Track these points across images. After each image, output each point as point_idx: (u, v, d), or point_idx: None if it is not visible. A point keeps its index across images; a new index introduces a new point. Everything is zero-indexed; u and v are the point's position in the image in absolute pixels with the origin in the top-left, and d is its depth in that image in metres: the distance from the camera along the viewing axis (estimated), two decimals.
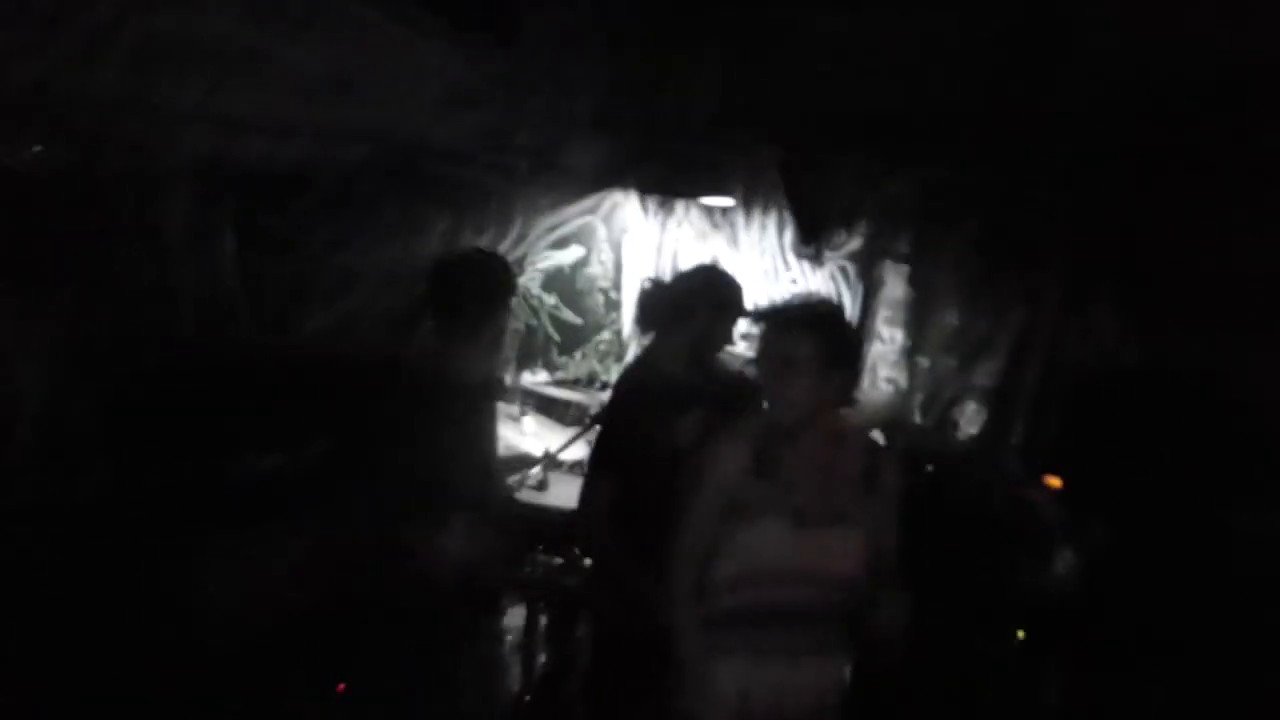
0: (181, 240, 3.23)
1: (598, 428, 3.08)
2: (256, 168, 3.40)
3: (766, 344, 2.02)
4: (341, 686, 3.06)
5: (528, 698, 3.32)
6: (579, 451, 3.74)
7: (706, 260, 4.90)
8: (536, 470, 3.55)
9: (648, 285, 2.89)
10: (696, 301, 2.66)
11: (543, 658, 3.41)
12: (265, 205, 3.50)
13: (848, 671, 2.18)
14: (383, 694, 2.97)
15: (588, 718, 3.07)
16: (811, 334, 1.93)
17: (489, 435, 2.85)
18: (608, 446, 2.69)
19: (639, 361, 2.89)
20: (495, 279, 2.77)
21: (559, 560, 3.19)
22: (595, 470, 2.69)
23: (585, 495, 2.69)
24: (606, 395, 4.55)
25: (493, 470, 2.91)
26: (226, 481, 3.23)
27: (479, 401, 2.78)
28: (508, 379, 4.77)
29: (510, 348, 4.87)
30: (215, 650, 2.93)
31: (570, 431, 3.90)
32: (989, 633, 3.03)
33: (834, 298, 4.58)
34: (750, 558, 1.98)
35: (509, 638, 3.79)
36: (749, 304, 2.74)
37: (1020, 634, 3.03)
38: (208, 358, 3.29)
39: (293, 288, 3.62)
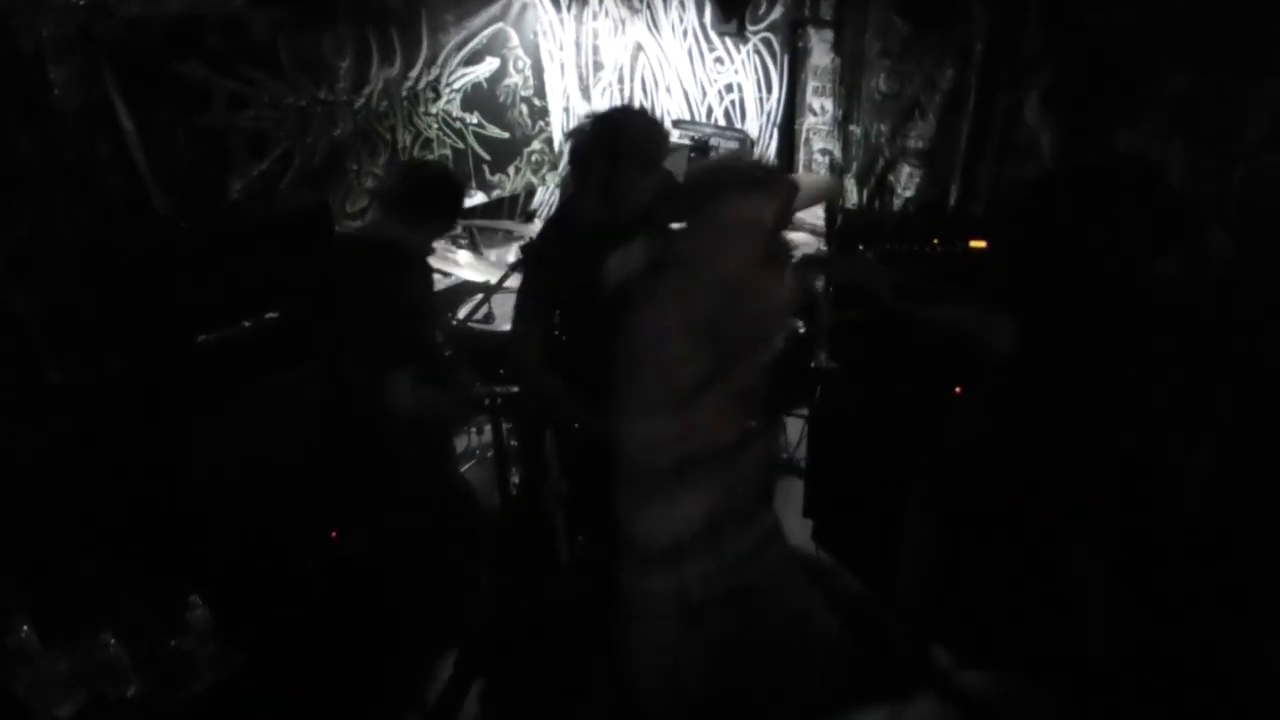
0: (72, 123, 3.14)
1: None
2: (136, 28, 3.25)
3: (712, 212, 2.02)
4: (334, 533, 3.28)
5: (508, 516, 3.56)
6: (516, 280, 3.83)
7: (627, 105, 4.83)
8: (482, 302, 3.62)
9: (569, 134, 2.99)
10: (595, 152, 2.67)
11: (515, 476, 3.61)
12: (154, 70, 3.36)
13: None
14: (376, 535, 3.20)
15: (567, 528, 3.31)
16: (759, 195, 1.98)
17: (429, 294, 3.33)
18: (530, 296, 2.76)
19: (559, 209, 2.92)
20: (459, 201, 3.22)
21: (515, 387, 3.32)
22: (520, 317, 2.77)
23: (514, 340, 2.82)
24: (536, 223, 4.56)
25: (433, 323, 3.33)
26: (194, 352, 3.30)
27: (423, 269, 3.22)
28: None
29: None
30: (218, 508, 3.11)
31: (505, 256, 3.93)
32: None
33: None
34: (698, 418, 2.07)
35: (489, 454, 4.03)
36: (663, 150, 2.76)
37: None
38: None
39: (201, 157, 3.53)
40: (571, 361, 2.69)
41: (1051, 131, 2.47)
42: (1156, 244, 2.44)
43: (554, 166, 5.49)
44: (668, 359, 2.00)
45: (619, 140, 2.66)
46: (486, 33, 4.91)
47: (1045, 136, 2.50)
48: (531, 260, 2.93)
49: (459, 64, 4.82)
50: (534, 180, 5.41)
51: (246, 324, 3.29)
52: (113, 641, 2.55)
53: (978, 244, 3.29)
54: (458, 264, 3.95)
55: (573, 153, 2.76)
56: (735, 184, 2.04)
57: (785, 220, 2.12)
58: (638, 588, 2.20)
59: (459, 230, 3.69)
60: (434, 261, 3.43)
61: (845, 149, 4.54)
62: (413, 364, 2.93)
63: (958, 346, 2.58)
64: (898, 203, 4.35)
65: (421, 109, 4.68)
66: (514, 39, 5.08)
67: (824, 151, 4.66)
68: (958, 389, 3.18)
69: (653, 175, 2.69)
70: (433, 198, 3.08)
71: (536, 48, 5.24)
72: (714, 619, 2.19)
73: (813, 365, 3.55)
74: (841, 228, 3.98)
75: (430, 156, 4.77)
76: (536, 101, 5.33)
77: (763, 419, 2.28)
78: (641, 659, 2.26)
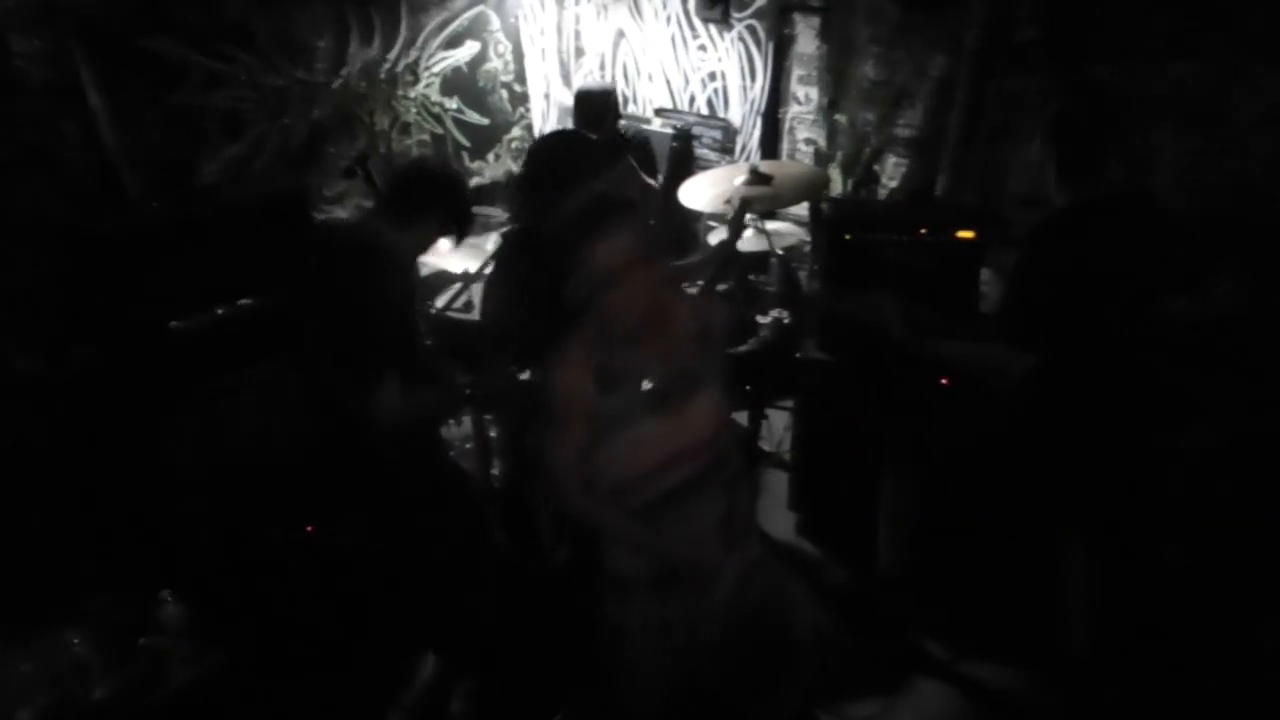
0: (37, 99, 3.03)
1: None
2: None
3: (584, 260, 1.89)
4: (310, 529, 3.19)
5: (492, 508, 3.49)
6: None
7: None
8: (461, 290, 3.53)
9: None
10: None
11: (496, 469, 3.54)
12: (124, 46, 3.25)
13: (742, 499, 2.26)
14: (351, 531, 3.11)
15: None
16: (624, 235, 1.87)
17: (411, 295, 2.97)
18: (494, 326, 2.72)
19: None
20: (455, 198, 2.88)
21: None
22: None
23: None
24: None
25: (417, 325, 3.02)
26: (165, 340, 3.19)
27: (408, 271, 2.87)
28: None
29: None
30: (191, 500, 3.02)
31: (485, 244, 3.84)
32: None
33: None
34: (631, 462, 1.99)
35: (468, 446, 3.95)
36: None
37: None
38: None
39: (174, 139, 3.42)
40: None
41: (1055, 167, 2.53)
42: (1163, 285, 2.49)
43: None
44: (577, 404, 1.95)
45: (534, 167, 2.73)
46: (467, 15, 4.81)
47: (1049, 172, 2.55)
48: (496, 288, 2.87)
49: (439, 47, 4.72)
50: (514, 168, 5.32)
51: (220, 311, 3.20)
52: (78, 641, 2.46)
53: (965, 234, 3.26)
54: (437, 252, 3.85)
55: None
56: (587, 232, 1.91)
57: (661, 242, 2.05)
58: (618, 614, 2.14)
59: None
60: None
61: (830, 138, 4.50)
62: (398, 368, 2.78)
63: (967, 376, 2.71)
64: (884, 192, 4.32)
65: (400, 92, 4.57)
66: (495, 22, 4.99)
67: (808, 141, 4.62)
68: (944, 380, 3.15)
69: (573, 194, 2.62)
70: (424, 195, 2.78)
71: (518, 32, 5.15)
72: (696, 638, 2.13)
73: (798, 356, 3.50)
74: (827, 218, 3.92)
75: (409, 142, 4.68)
76: (517, 87, 5.25)
77: (730, 451, 2.19)
78: (622, 681, 2.22)
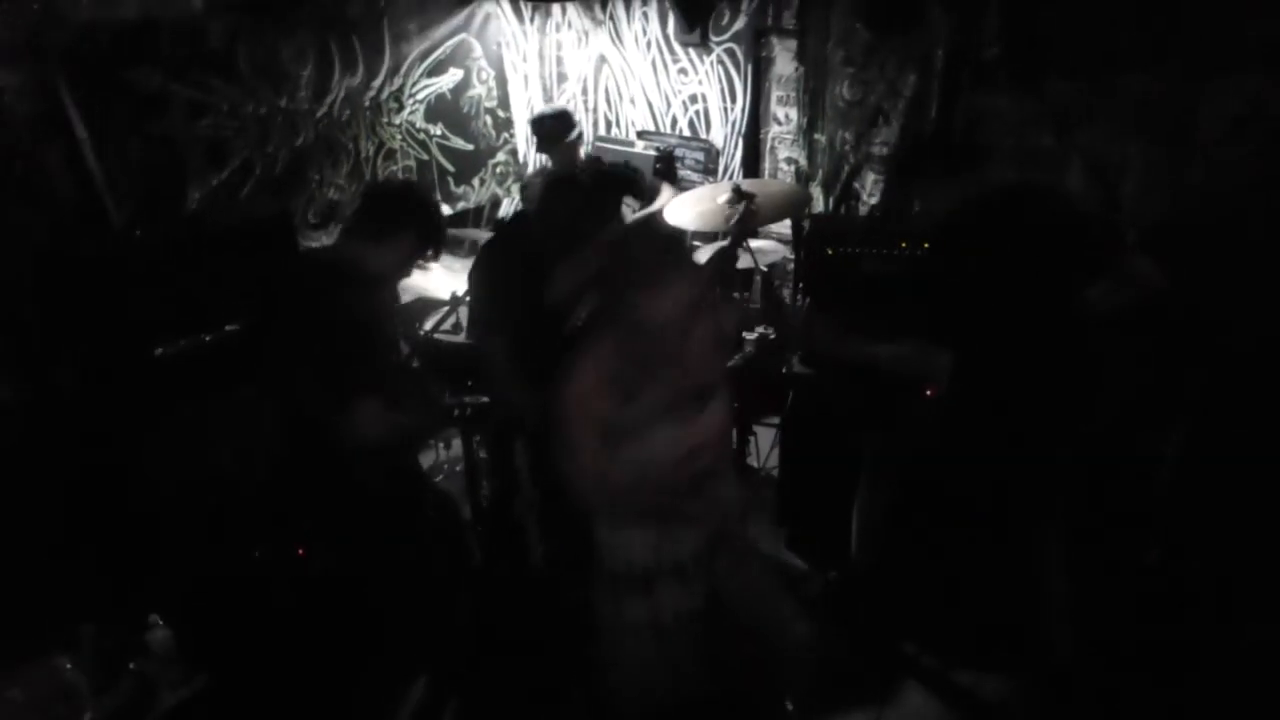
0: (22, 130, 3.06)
1: None
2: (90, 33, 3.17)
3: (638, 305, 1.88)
4: (301, 551, 3.19)
5: (480, 528, 3.50)
6: None
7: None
8: (449, 313, 3.56)
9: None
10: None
11: (485, 488, 3.56)
12: (108, 77, 3.29)
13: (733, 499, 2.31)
14: (342, 553, 3.11)
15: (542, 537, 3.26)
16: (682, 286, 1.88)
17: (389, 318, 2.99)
18: (488, 309, 2.76)
19: (509, 223, 2.91)
20: (425, 214, 2.84)
21: (485, 398, 3.27)
22: (484, 328, 2.76)
23: (482, 352, 2.79)
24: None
25: (395, 348, 3.07)
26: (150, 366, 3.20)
27: (373, 286, 2.81)
28: None
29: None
30: (180, 522, 3.02)
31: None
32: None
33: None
34: (643, 469, 2.02)
35: (458, 468, 3.96)
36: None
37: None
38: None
39: (158, 166, 3.45)
40: (532, 370, 2.70)
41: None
42: (1074, 268, 2.49)
43: (519, 178, 5.46)
44: (595, 407, 1.96)
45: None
46: (450, 43, 4.88)
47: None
48: (485, 273, 2.91)
49: (422, 74, 4.78)
50: (499, 192, 5.37)
51: (206, 338, 3.22)
52: (69, 666, 2.47)
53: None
54: (425, 273, 3.88)
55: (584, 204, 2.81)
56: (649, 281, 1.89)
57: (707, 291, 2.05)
58: (612, 610, 2.18)
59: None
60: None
61: (810, 157, 4.56)
62: (380, 389, 2.69)
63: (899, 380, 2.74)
64: (863, 208, 4.37)
65: (384, 119, 4.63)
66: (477, 50, 5.06)
67: (789, 160, 4.68)
68: (929, 391, 3.18)
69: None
70: (393, 211, 2.75)
71: (500, 59, 5.22)
72: (687, 635, 2.19)
73: (784, 371, 3.53)
74: (809, 235, 3.97)
75: (394, 169, 4.73)
76: (500, 113, 5.31)
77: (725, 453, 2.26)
78: (616, 676, 2.23)
